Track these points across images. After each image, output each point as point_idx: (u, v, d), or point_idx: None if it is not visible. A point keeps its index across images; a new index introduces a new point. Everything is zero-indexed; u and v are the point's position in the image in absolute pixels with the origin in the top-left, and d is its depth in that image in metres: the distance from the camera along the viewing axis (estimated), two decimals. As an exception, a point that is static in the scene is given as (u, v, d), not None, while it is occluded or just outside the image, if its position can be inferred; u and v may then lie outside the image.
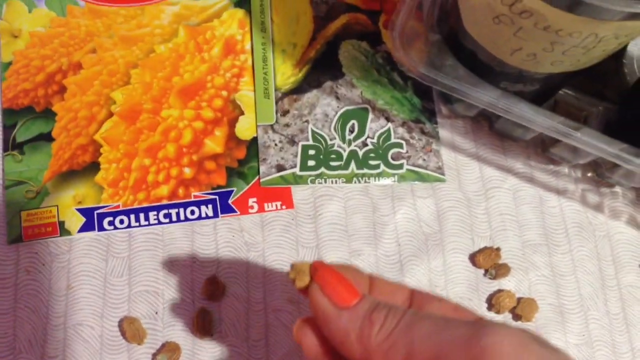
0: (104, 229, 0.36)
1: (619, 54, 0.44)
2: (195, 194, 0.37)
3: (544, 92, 0.38)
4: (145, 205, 0.37)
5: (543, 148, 0.41)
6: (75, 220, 0.36)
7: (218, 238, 0.37)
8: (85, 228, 0.36)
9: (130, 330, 0.34)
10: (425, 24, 0.37)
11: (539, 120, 0.34)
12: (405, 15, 0.34)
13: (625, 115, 0.40)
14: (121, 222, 0.36)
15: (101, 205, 0.36)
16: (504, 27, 0.31)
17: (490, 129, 0.41)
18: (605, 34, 0.28)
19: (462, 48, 0.36)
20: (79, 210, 0.36)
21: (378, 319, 0.23)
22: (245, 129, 0.39)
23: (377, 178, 0.39)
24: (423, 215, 0.39)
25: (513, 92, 0.36)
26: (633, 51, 0.44)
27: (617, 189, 0.41)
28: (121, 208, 0.37)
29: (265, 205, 0.38)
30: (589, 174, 0.41)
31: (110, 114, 0.38)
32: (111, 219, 0.36)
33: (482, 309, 0.38)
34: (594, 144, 0.34)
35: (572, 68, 0.33)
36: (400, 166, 0.40)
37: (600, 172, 0.41)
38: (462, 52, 0.36)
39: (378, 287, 0.27)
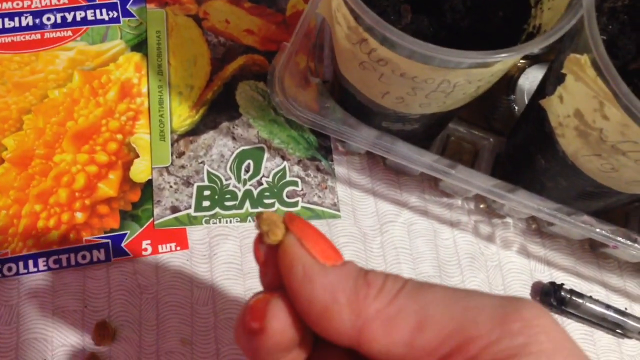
0: (-9, 278, 0.36)
1: (510, 88, 0.46)
2: (87, 238, 0.38)
3: (429, 128, 0.39)
4: (34, 251, 0.37)
5: (436, 182, 0.42)
6: (-38, 270, 0.36)
7: (110, 282, 0.38)
8: (-29, 277, 0.36)
9: (15, 379, 0.34)
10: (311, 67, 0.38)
11: (416, 159, 0.35)
12: (284, 63, 0.35)
13: (509, 148, 0.41)
14: (9, 269, 0.36)
15: (-12, 253, 0.36)
16: (369, 72, 0.32)
17: (385, 165, 0.43)
18: (456, 80, 0.30)
19: (345, 90, 0.37)
20: (-35, 259, 0.36)
21: (375, 280, 0.19)
22: (140, 171, 0.40)
23: (271, 216, 0.40)
24: (318, 251, 0.40)
25: (395, 131, 0.38)
26: (524, 85, 0.46)
27: (508, 219, 0.42)
28: (9, 255, 0.36)
29: (160, 247, 0.38)
30: (482, 206, 0.43)
31: (2, 161, 0.38)
32: (-1, 266, 0.36)
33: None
34: (469, 180, 0.35)
35: (440, 109, 0.34)
36: (296, 204, 0.40)
37: (490, 204, 0.42)
38: (345, 94, 0.37)
39: None
